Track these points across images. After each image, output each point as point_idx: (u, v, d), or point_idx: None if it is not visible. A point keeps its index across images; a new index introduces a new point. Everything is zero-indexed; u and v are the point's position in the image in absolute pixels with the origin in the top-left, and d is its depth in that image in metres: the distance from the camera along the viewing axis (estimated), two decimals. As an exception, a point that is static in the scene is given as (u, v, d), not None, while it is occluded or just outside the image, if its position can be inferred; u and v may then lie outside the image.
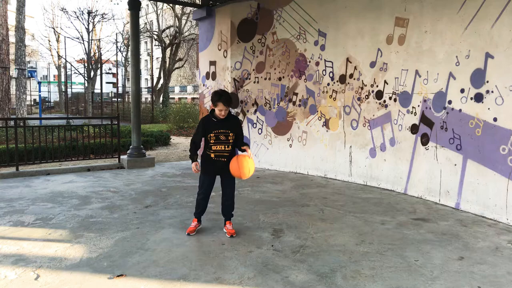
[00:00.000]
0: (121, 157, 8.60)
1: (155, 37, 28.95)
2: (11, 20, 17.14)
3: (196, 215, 4.42)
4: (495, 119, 4.90)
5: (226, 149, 4.17)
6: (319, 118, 7.56)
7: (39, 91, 22.49)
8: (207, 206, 4.42)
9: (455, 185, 5.42)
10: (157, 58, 42.15)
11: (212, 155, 4.17)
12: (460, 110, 5.33)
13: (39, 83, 23.93)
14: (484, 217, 5.00)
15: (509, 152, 4.75)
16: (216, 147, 4.15)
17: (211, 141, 4.15)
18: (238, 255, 3.74)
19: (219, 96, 4.05)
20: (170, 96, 35.36)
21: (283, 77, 8.12)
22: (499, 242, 4.17)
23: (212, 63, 9.13)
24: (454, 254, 3.82)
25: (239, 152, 4.23)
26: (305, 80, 7.76)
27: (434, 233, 4.40)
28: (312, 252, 3.83)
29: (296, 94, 7.92)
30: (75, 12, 32.44)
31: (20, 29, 15.76)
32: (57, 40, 38.71)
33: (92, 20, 27.59)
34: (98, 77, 28.33)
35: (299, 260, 3.64)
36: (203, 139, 4.26)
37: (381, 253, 3.81)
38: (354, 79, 6.94)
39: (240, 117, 8.69)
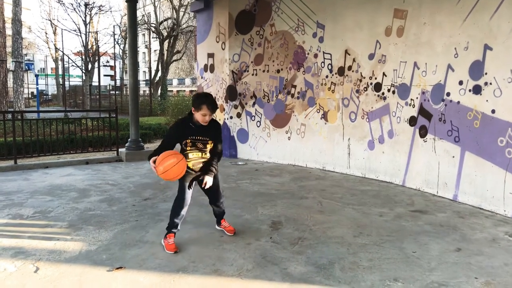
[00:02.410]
0: (120, 150, 8.60)
1: (153, 29, 28.77)
2: (8, 13, 17.00)
3: (172, 228, 3.68)
4: (493, 111, 4.90)
5: (203, 156, 3.68)
6: (318, 111, 7.55)
7: (37, 84, 22.43)
8: (184, 216, 3.77)
9: (453, 177, 5.44)
10: (155, 50, 41.91)
11: (190, 165, 3.64)
12: (459, 102, 5.32)
13: (37, 76, 23.88)
14: (481, 209, 5.02)
15: (507, 144, 4.76)
16: (193, 155, 3.63)
17: (187, 149, 3.62)
18: (237, 247, 3.75)
19: (203, 98, 3.56)
20: (168, 89, 35.23)
21: (282, 69, 8.09)
22: (496, 233, 4.19)
23: (210, 55, 9.09)
24: (451, 245, 3.84)
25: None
26: (303, 73, 7.73)
27: (432, 225, 4.42)
28: (311, 244, 3.85)
29: (295, 87, 7.90)
30: (72, 4, 32.24)
31: (17, 21, 15.64)
32: (54, 33, 38.38)
33: (89, 12, 27.34)
34: (95, 70, 28.19)
35: (297, 252, 3.66)
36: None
37: (379, 245, 3.83)
38: (352, 71, 6.92)
39: (239, 109, 8.67)
